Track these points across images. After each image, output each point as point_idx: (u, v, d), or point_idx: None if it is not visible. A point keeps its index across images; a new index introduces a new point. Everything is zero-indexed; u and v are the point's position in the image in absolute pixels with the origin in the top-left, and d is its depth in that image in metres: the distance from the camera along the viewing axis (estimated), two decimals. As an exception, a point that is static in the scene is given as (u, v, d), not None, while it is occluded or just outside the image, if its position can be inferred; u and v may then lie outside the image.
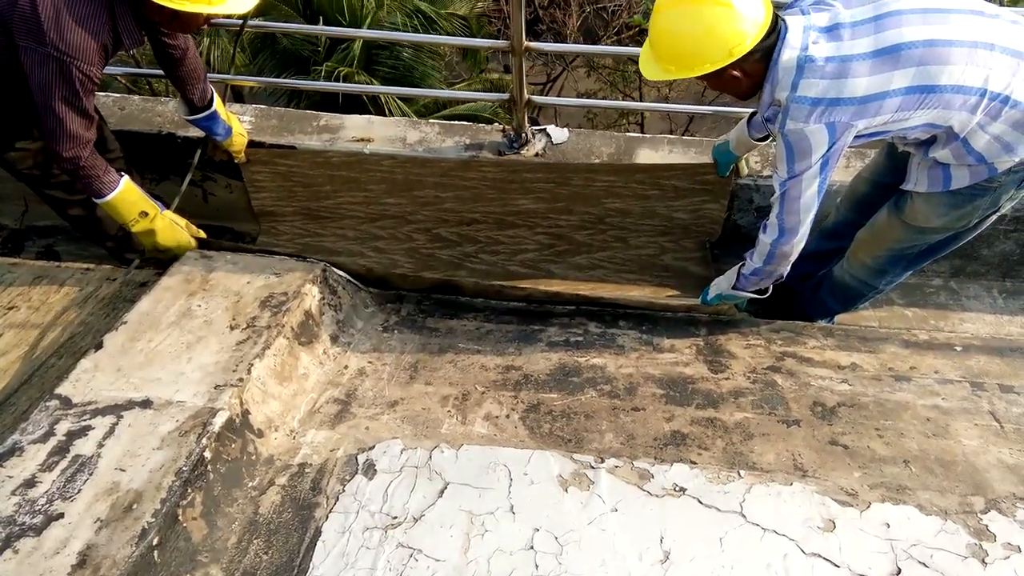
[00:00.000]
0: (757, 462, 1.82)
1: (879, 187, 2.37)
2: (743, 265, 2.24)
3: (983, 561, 1.52)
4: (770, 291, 2.30)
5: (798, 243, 2.06)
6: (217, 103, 2.60)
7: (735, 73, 1.86)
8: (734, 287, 2.29)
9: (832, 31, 1.82)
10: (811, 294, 2.64)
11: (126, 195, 2.21)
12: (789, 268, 2.17)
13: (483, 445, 1.80)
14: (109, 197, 2.18)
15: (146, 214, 2.26)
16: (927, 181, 2.06)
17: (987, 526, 1.59)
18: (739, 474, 1.72)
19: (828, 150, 1.84)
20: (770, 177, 2.73)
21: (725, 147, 2.62)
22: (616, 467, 1.72)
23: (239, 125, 2.79)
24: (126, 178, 2.22)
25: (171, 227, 2.34)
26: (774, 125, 1.92)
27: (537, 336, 2.32)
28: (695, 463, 1.80)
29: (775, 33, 1.83)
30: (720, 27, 1.77)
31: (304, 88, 10.10)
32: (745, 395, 2.06)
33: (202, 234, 2.46)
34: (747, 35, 1.78)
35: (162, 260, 2.63)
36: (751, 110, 2.49)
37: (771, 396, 2.05)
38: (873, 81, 1.77)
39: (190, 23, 2.12)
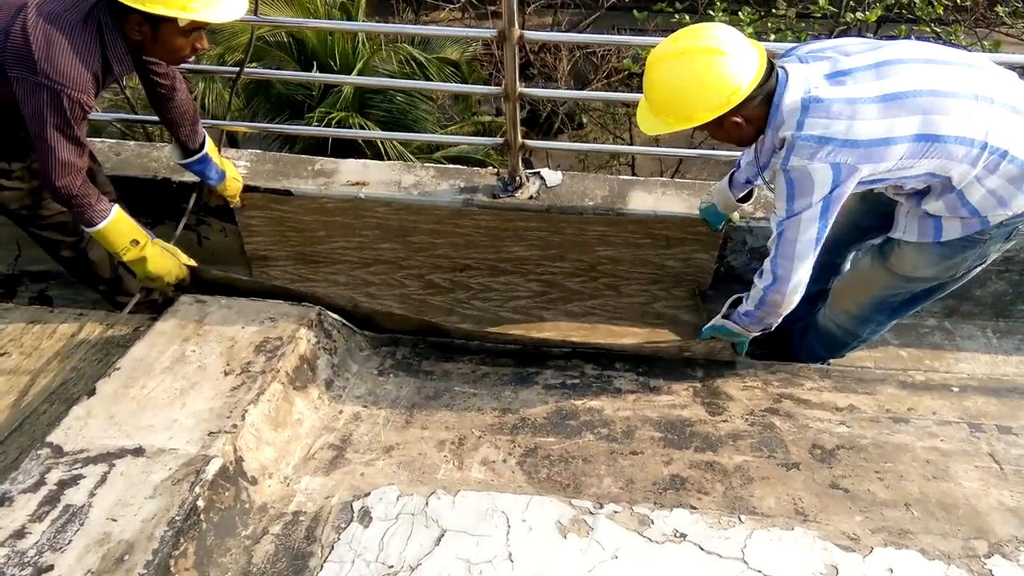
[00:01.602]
0: (758, 506, 1.81)
1: (855, 229, 2.37)
2: (738, 299, 2.25)
3: (989, 606, 1.50)
4: (767, 331, 2.30)
5: (790, 293, 2.03)
6: (209, 146, 2.63)
7: (736, 120, 1.86)
8: (727, 318, 2.29)
9: (835, 77, 1.82)
10: (800, 338, 2.65)
11: (117, 224, 2.22)
12: (780, 319, 2.15)
13: (480, 491, 1.78)
14: (101, 226, 2.18)
15: (137, 242, 2.26)
16: (916, 231, 2.06)
17: (991, 571, 1.58)
18: (740, 519, 1.71)
19: (830, 193, 1.82)
20: (764, 219, 2.76)
21: (713, 209, 2.65)
22: (615, 513, 1.70)
23: (233, 169, 2.81)
24: (117, 207, 2.22)
25: (162, 254, 2.34)
26: (776, 160, 1.89)
27: (533, 379, 2.31)
28: (695, 508, 1.78)
29: (773, 77, 1.84)
30: (714, 74, 1.79)
31: (298, 133, 10.22)
32: (744, 437, 2.05)
33: (192, 262, 2.46)
34: (743, 81, 1.80)
35: (155, 304, 2.63)
36: (736, 157, 2.52)
37: (770, 438, 2.04)
38: (880, 125, 1.77)
39: (171, 47, 2.09)
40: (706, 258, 2.83)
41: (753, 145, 2.20)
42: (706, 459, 1.97)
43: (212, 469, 1.69)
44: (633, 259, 2.88)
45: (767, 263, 2.03)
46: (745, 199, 2.57)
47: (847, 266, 2.54)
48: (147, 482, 1.66)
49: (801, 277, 2.00)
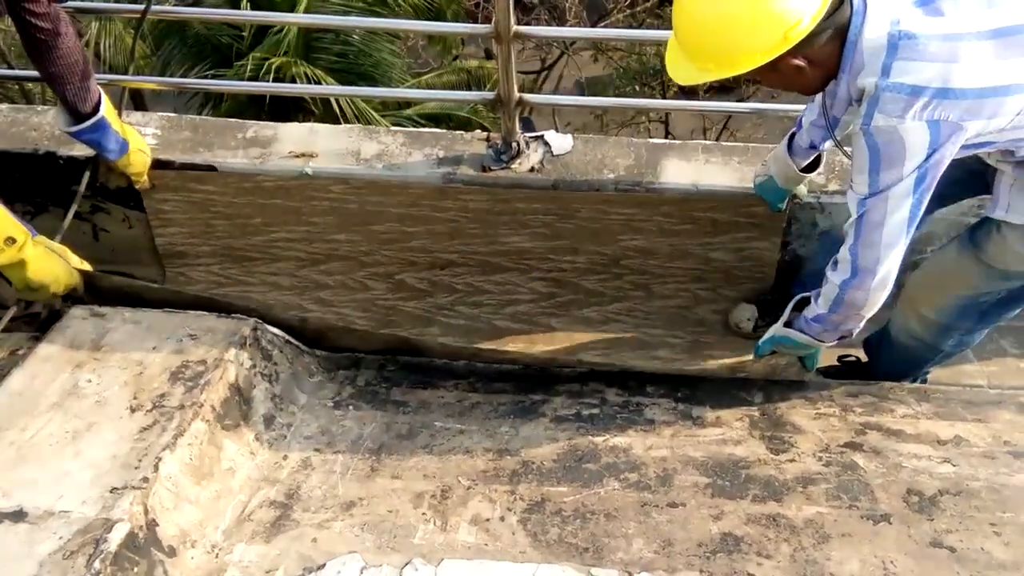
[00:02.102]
0: (836, 573, 1.81)
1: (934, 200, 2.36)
2: (804, 299, 2.24)
3: None
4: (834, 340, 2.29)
5: (876, 290, 2.02)
6: (107, 109, 2.62)
7: (797, 63, 1.85)
8: (790, 326, 2.28)
9: (930, 4, 1.80)
10: (876, 351, 2.64)
11: None
12: (863, 324, 2.15)
13: (471, 559, 1.79)
14: None
15: (13, 241, 2.25)
16: None
17: None
18: (813, 590, 1.72)
19: (927, 159, 1.81)
20: (839, 192, 2.76)
21: (772, 183, 2.63)
22: (649, 585, 1.70)
23: (139, 140, 2.81)
24: None
25: (46, 257, 2.32)
26: (854, 117, 1.88)
27: (539, 409, 2.31)
28: (754, 577, 1.78)
29: (846, 5, 1.82)
30: (768, 3, 1.79)
31: (225, 90, 10.24)
32: (816, 482, 2.05)
33: (86, 265, 2.45)
34: (805, 10, 1.79)
35: (37, 318, 2.62)
36: (800, 111, 2.51)
37: (851, 483, 2.04)
38: (994, 69, 1.76)
39: None
40: (765, 247, 2.83)
41: (818, 97, 2.20)
42: (768, 511, 1.96)
43: (116, 537, 1.68)
44: (669, 251, 2.88)
45: (844, 252, 2.03)
46: (811, 168, 2.57)
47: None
48: (31, 555, 1.65)
49: (889, 268, 2.00)
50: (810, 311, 2.21)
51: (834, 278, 2.07)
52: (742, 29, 1.80)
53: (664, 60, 1.98)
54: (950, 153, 1.83)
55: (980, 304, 2.27)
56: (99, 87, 2.60)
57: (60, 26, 2.42)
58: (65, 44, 2.44)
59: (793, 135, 2.50)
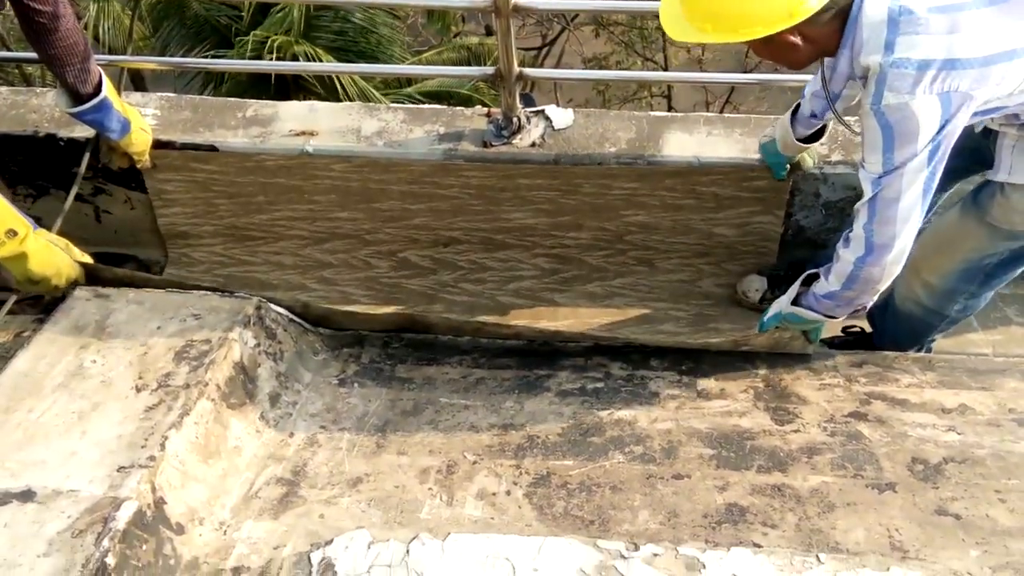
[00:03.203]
0: (841, 541, 1.81)
1: (945, 175, 2.35)
2: (815, 282, 2.24)
3: None
4: (844, 314, 2.28)
5: (892, 264, 2.01)
6: (108, 89, 2.62)
7: (792, 39, 1.85)
8: (798, 303, 2.27)
9: None
10: (880, 322, 2.64)
11: None
12: (876, 297, 2.14)
13: (477, 533, 1.79)
14: None
15: (15, 233, 2.26)
16: None
17: None
18: (818, 558, 1.72)
19: (940, 131, 1.81)
20: (842, 163, 2.75)
21: (773, 146, 2.63)
22: (655, 556, 1.71)
23: (140, 119, 2.80)
24: None
25: (47, 249, 2.34)
26: (860, 93, 1.88)
27: (543, 384, 2.32)
28: (760, 546, 1.79)
29: None
30: None
31: (225, 69, 10.20)
32: (821, 452, 2.05)
33: (87, 258, 2.46)
34: None
35: (41, 301, 2.63)
36: (799, 98, 2.50)
37: (856, 452, 2.04)
38: (997, 36, 1.76)
39: None
40: (769, 221, 2.82)
41: (819, 70, 2.20)
42: (773, 482, 1.97)
43: (124, 516, 1.69)
44: (672, 226, 2.88)
45: (859, 229, 2.01)
46: (814, 138, 2.56)
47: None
48: (39, 535, 1.66)
49: (905, 243, 1.99)
50: (820, 288, 2.19)
51: (847, 255, 2.06)
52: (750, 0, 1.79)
53: (661, 17, 1.97)
54: (962, 123, 1.83)
55: (984, 266, 2.28)
56: (99, 68, 2.59)
57: (59, 8, 2.41)
58: (64, 26, 2.43)
59: (798, 107, 2.49)
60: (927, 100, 1.77)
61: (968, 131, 2.14)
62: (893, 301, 2.53)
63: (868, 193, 1.95)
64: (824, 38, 1.88)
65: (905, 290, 2.44)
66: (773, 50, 1.91)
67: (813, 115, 2.46)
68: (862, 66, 1.85)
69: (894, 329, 2.57)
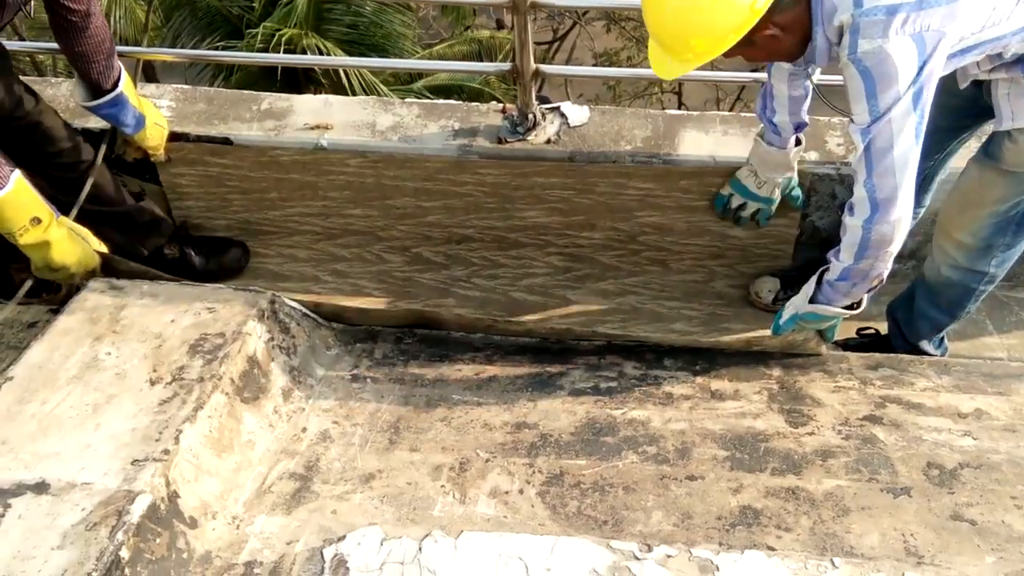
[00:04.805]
0: (856, 546, 1.81)
1: (937, 134, 2.34)
2: (825, 270, 2.23)
3: None
4: (863, 305, 2.28)
5: (900, 221, 2.01)
6: (126, 84, 2.62)
7: (770, 32, 1.88)
8: (814, 301, 2.26)
9: None
10: (906, 310, 2.64)
11: (18, 195, 2.22)
12: (891, 262, 2.13)
13: (490, 531, 1.79)
14: None
15: (39, 221, 2.27)
16: None
17: None
18: (833, 563, 1.71)
19: (919, 72, 1.83)
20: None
21: (751, 184, 2.64)
22: (669, 558, 1.71)
23: (156, 113, 2.80)
24: (18, 173, 2.23)
25: (70, 238, 2.35)
26: (841, 51, 1.90)
27: (556, 382, 2.31)
28: (773, 549, 1.78)
29: None
30: None
31: (237, 61, 10.21)
32: (836, 455, 2.05)
33: (104, 248, 2.47)
34: None
35: (55, 291, 2.63)
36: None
37: (871, 456, 2.04)
38: None
39: None
40: (784, 223, 2.81)
41: (774, 72, 2.31)
42: (787, 485, 1.97)
43: (138, 509, 1.69)
44: (686, 228, 2.87)
45: (860, 190, 2.01)
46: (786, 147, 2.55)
47: (930, 196, 2.57)
48: (53, 528, 1.66)
49: (907, 193, 1.99)
50: (833, 271, 2.18)
51: (855, 221, 2.05)
52: (708, 11, 1.82)
53: (650, 63, 2.01)
54: (940, 62, 1.85)
55: (1013, 216, 2.28)
56: (120, 63, 2.60)
57: (92, 6, 2.42)
58: (95, 24, 2.45)
59: (764, 128, 2.52)
60: (901, 41, 1.80)
61: (954, 88, 2.18)
62: (923, 278, 2.53)
63: (860, 146, 1.96)
64: (798, 21, 1.90)
65: (940, 257, 2.44)
66: (761, 50, 1.94)
67: (776, 131, 2.49)
68: (835, 28, 1.88)
69: (930, 308, 2.56)
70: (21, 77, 2.69)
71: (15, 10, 2.28)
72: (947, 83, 2.12)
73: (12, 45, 3.44)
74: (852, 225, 2.06)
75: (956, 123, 2.32)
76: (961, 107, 2.27)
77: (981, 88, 2.19)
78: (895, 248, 2.07)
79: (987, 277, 2.43)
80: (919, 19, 1.79)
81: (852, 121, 1.96)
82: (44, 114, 2.57)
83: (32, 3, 2.32)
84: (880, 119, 1.88)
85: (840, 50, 1.89)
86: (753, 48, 1.92)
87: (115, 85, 2.59)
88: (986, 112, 2.21)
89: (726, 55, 1.90)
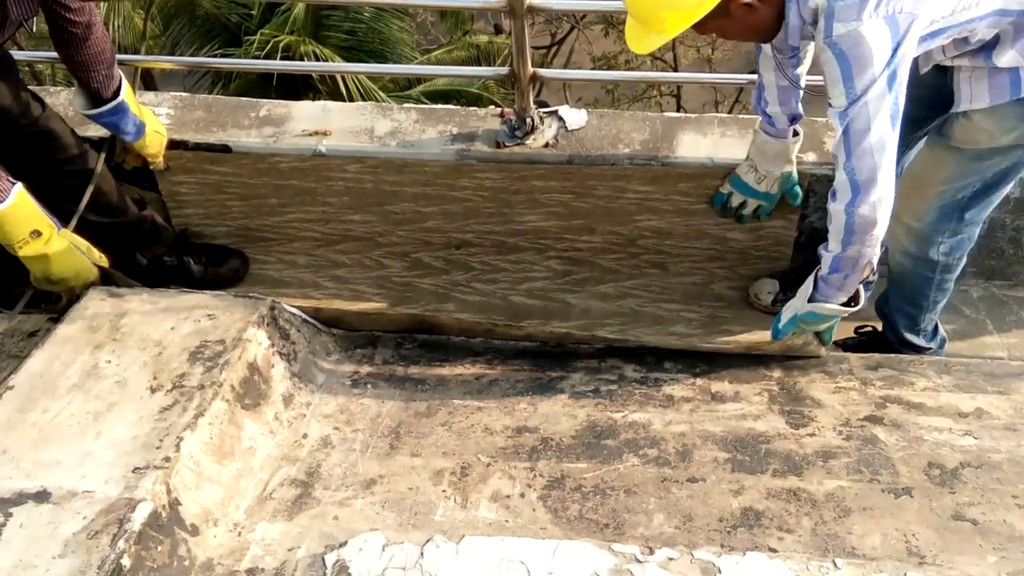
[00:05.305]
0: (858, 547, 1.81)
1: (907, 123, 2.35)
2: (820, 269, 2.24)
3: None
4: (860, 303, 2.28)
5: (881, 202, 2.03)
6: (127, 93, 2.62)
7: (745, 0, 1.90)
8: (812, 300, 2.26)
9: None
10: (885, 304, 2.65)
11: (18, 208, 2.22)
12: (878, 248, 2.14)
13: (491, 536, 1.79)
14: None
15: (39, 234, 2.27)
16: (988, 92, 2.10)
17: None
18: (835, 564, 1.71)
19: (893, 55, 1.86)
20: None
21: (749, 182, 2.63)
22: (670, 560, 1.71)
23: (155, 121, 2.80)
24: (19, 187, 2.23)
25: (70, 251, 2.35)
26: (817, 35, 1.92)
27: (557, 385, 2.31)
28: (775, 551, 1.78)
29: None
30: None
31: (236, 68, 10.22)
32: (837, 456, 2.05)
33: (104, 261, 2.47)
34: None
35: (54, 301, 2.63)
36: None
37: (872, 457, 2.04)
38: None
39: None
40: (782, 225, 2.81)
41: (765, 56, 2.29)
42: (788, 486, 1.97)
43: (140, 517, 1.70)
44: (685, 231, 2.87)
45: (840, 174, 2.03)
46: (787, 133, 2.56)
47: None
48: (55, 536, 1.66)
49: (887, 175, 2.01)
50: (824, 265, 2.19)
51: (837, 206, 2.07)
52: None
53: (626, 39, 2.03)
54: (912, 45, 1.88)
55: (958, 200, 2.31)
56: (120, 71, 2.60)
57: (93, 17, 2.42)
58: (95, 35, 2.45)
59: (764, 116, 2.51)
60: (875, 24, 1.83)
61: (916, 77, 2.18)
62: (890, 272, 2.55)
63: (839, 129, 1.98)
64: None
65: (892, 244, 2.46)
66: (737, 23, 1.96)
67: (771, 122, 2.49)
68: (810, 10, 1.91)
69: (898, 300, 2.57)
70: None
71: (17, 26, 2.28)
72: (911, 71, 2.16)
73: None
74: (835, 211, 2.08)
75: (918, 113, 2.33)
76: (923, 97, 2.28)
77: (944, 76, 2.21)
78: (880, 231, 2.09)
79: (939, 266, 2.45)
80: (892, 2, 1.82)
81: (830, 105, 1.99)
82: (51, 121, 2.57)
83: (35, 19, 2.33)
84: (857, 101, 1.91)
85: (816, 34, 1.92)
86: (729, 20, 1.94)
87: (116, 94, 2.59)
88: (948, 103, 2.23)
89: (702, 28, 1.93)
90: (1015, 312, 2.79)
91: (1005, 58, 2.02)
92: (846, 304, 2.24)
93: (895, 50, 1.85)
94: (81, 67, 2.49)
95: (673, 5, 1.88)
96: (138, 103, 2.72)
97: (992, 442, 2.07)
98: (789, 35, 2.01)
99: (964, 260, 2.48)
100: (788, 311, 2.33)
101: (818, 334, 2.36)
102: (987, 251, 2.79)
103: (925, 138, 2.33)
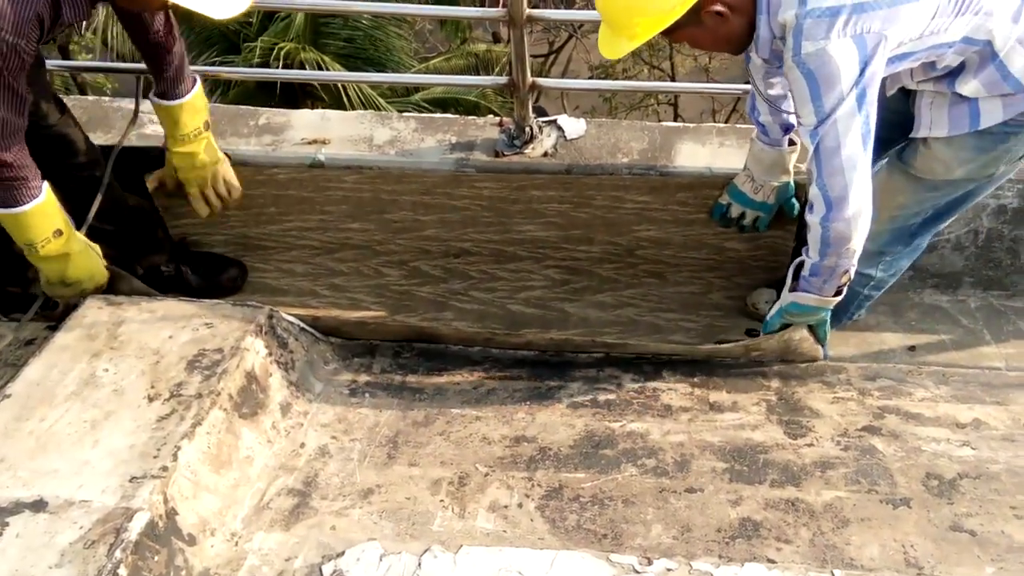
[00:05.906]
0: (856, 557, 1.80)
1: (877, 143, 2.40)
2: (802, 263, 2.25)
3: None
4: (843, 294, 2.29)
5: (856, 218, 2.05)
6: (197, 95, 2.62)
7: (716, 9, 1.90)
8: (793, 290, 2.28)
9: None
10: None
11: (48, 206, 2.23)
12: (855, 259, 2.16)
13: (489, 546, 1.79)
14: (29, 206, 2.19)
15: (61, 233, 2.27)
16: (948, 122, 2.11)
17: None
18: (833, 574, 1.71)
19: (861, 74, 1.86)
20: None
21: (747, 190, 2.63)
22: (669, 571, 1.70)
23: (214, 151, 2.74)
24: (48, 186, 2.24)
25: (87, 253, 2.36)
26: (786, 52, 1.93)
27: (555, 395, 2.31)
28: (774, 562, 1.78)
29: None
30: None
31: (237, 76, 10.23)
32: (835, 466, 2.05)
33: (111, 267, 2.47)
34: None
35: (52, 309, 2.63)
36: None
37: (870, 467, 2.04)
38: None
39: None
40: (780, 235, 2.82)
41: (750, 69, 2.30)
42: (786, 496, 1.96)
43: (136, 526, 1.69)
44: (683, 241, 2.88)
45: (814, 189, 2.05)
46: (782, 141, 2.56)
47: None
48: (51, 545, 1.66)
49: (860, 192, 2.03)
50: (806, 267, 2.22)
51: (813, 218, 2.09)
52: None
53: (598, 45, 2.04)
54: (881, 64, 1.89)
55: (910, 227, 2.34)
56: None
57: (169, 33, 2.48)
58: (177, 49, 2.52)
59: (759, 126, 2.52)
60: (842, 43, 1.84)
61: (883, 99, 2.17)
62: None
63: (810, 147, 2.00)
64: (743, 3, 1.92)
65: None
66: (708, 32, 1.96)
67: (765, 132, 2.50)
68: (779, 24, 1.91)
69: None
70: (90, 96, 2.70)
71: (66, 27, 2.29)
72: (890, 97, 2.19)
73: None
74: (812, 222, 2.11)
75: (889, 135, 2.33)
76: (889, 120, 2.27)
77: (908, 99, 2.22)
78: (856, 245, 2.11)
79: (873, 282, 2.48)
80: (860, 21, 1.83)
81: (800, 124, 2.01)
82: (69, 126, 2.59)
83: (84, 24, 2.35)
84: (826, 120, 1.93)
85: (784, 51, 1.92)
86: (701, 29, 1.94)
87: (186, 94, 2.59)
88: (909, 128, 2.24)
89: (674, 35, 1.94)
90: (1013, 322, 2.79)
91: (968, 87, 2.03)
92: (836, 293, 2.26)
93: (863, 69, 1.87)
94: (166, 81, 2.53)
95: (645, 11, 1.89)
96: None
97: (990, 453, 2.07)
98: (759, 47, 2.01)
99: (897, 277, 2.52)
100: (776, 304, 2.36)
101: (813, 331, 2.36)
102: (984, 261, 2.79)
103: (885, 160, 2.33)
